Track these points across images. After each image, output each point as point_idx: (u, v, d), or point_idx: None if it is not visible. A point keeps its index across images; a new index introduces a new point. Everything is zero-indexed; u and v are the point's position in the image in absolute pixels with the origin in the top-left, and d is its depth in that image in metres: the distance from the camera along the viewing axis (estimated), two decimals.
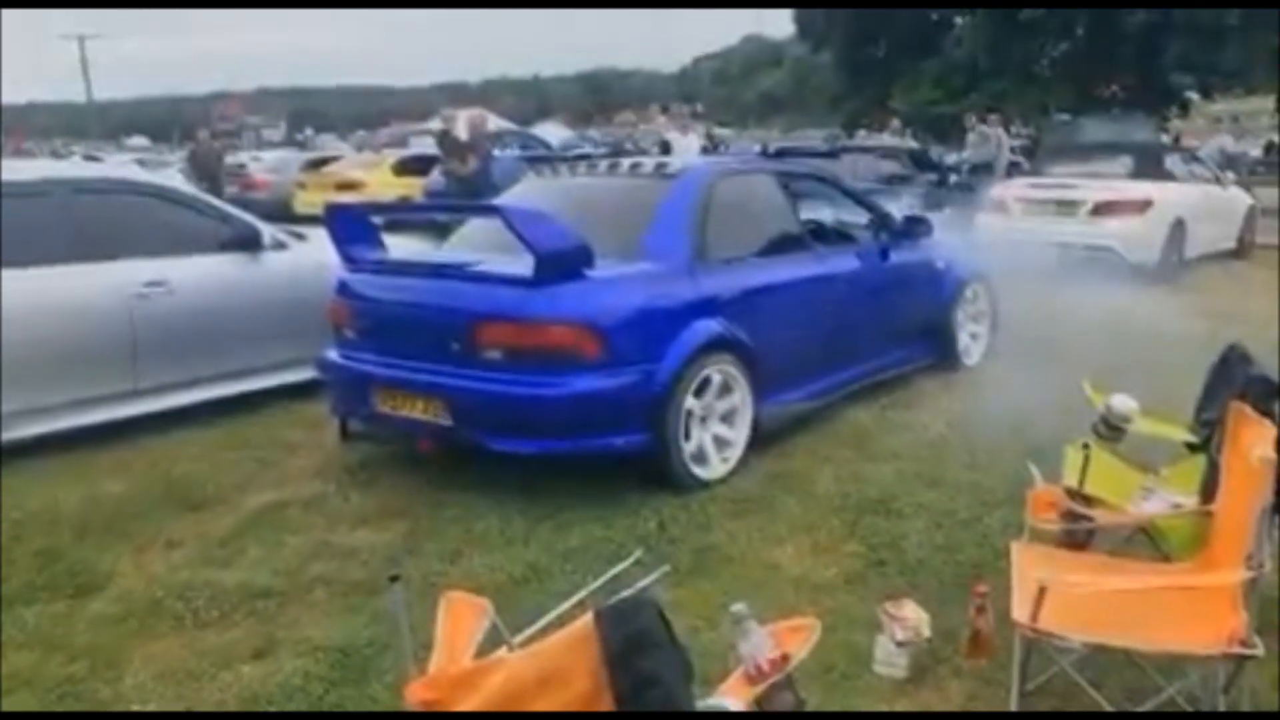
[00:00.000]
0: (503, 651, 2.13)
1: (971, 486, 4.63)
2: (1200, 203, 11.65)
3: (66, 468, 5.08)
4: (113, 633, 3.46)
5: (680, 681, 1.77)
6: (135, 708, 3.03)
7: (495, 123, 18.43)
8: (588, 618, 1.79)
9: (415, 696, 1.88)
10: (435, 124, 13.39)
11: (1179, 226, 11.06)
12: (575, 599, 2.75)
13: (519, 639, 2.31)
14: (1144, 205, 10.78)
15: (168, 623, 3.53)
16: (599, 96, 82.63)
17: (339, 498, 4.68)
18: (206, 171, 13.10)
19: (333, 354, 5.09)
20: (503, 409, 4.37)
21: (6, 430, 5.09)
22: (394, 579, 2.06)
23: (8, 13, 63.58)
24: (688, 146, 12.49)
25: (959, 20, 24.65)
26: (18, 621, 3.53)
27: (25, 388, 5.12)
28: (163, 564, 4.01)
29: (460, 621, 2.21)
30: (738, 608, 1.99)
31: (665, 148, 12.04)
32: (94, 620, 3.56)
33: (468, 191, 10.89)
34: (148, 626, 3.51)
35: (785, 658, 1.96)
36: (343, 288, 5.08)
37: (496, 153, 13.93)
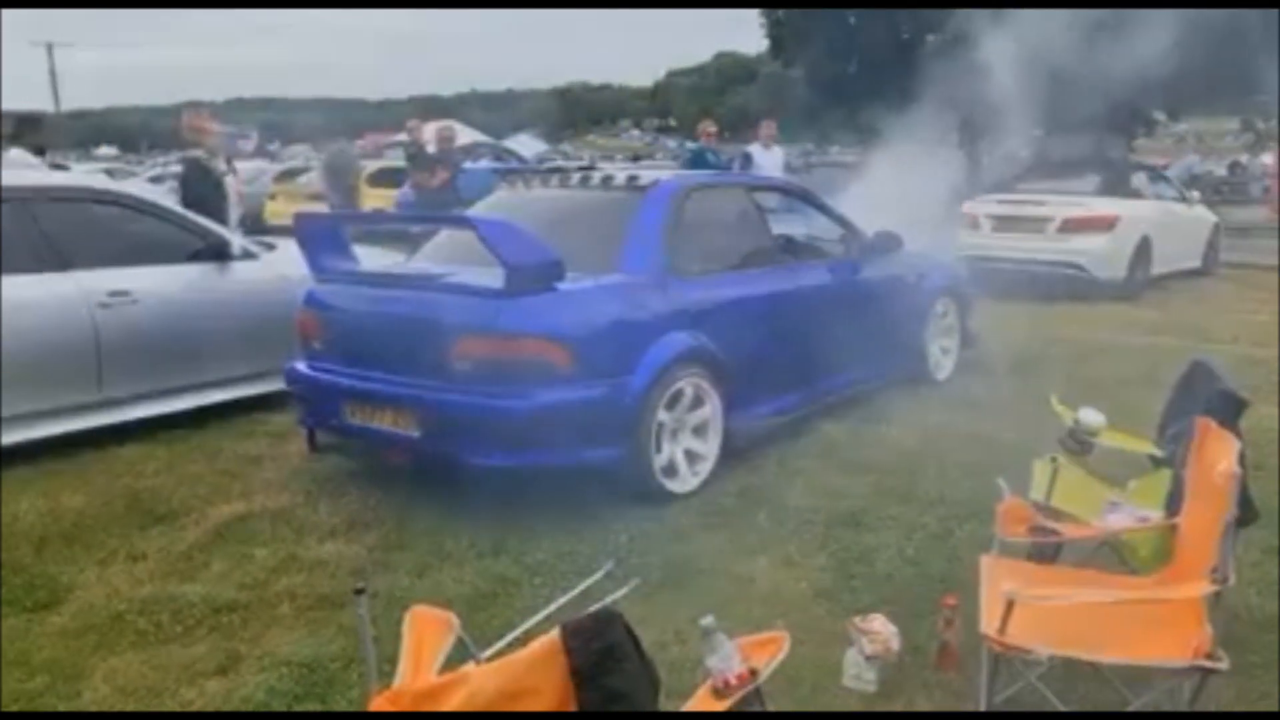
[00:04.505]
0: (469, 666, 2.10)
1: (941, 500, 4.64)
2: (1166, 221, 11.82)
3: (27, 480, 4.99)
4: (73, 647, 3.40)
5: (648, 697, 1.75)
6: None
7: (467, 135, 18.37)
8: (554, 633, 1.77)
9: (379, 709, 1.85)
10: (402, 136, 13.19)
11: (1145, 244, 11.22)
12: (544, 613, 2.72)
13: (486, 654, 2.28)
14: (1111, 222, 10.93)
15: (130, 637, 3.47)
16: (571, 110, 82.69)
17: (306, 510, 4.63)
18: (342, 183, 12.04)
19: (301, 365, 5.04)
20: (473, 421, 4.34)
21: None
22: (359, 591, 2.04)
23: None
24: (772, 162, 11.54)
25: (929, 38, 24.90)
26: None
27: None
28: (125, 577, 3.94)
29: (426, 635, 2.18)
30: (706, 620, 1.97)
31: (747, 160, 11.60)
32: (54, 634, 3.49)
33: (436, 204, 10.85)
34: (109, 641, 3.44)
35: (754, 672, 1.95)
36: (311, 298, 5.03)
37: (469, 164, 13.87)
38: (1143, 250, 11.21)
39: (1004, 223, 11.23)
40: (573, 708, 1.72)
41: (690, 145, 12.13)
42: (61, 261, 5.46)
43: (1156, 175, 13.62)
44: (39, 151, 8.07)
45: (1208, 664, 2.39)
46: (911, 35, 23.56)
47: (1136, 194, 11.91)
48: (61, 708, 3.05)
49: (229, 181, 7.84)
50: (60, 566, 4.04)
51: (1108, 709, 2.80)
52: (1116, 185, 11.71)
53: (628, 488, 4.61)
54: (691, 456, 4.88)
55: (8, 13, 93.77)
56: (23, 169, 8.14)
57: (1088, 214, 10.95)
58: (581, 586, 2.89)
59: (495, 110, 69.93)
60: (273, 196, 18.19)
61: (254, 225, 11.92)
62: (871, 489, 4.86)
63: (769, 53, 27.67)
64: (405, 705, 1.82)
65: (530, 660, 1.76)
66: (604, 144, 56.80)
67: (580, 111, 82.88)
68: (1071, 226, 10.88)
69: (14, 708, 3.05)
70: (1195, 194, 14.05)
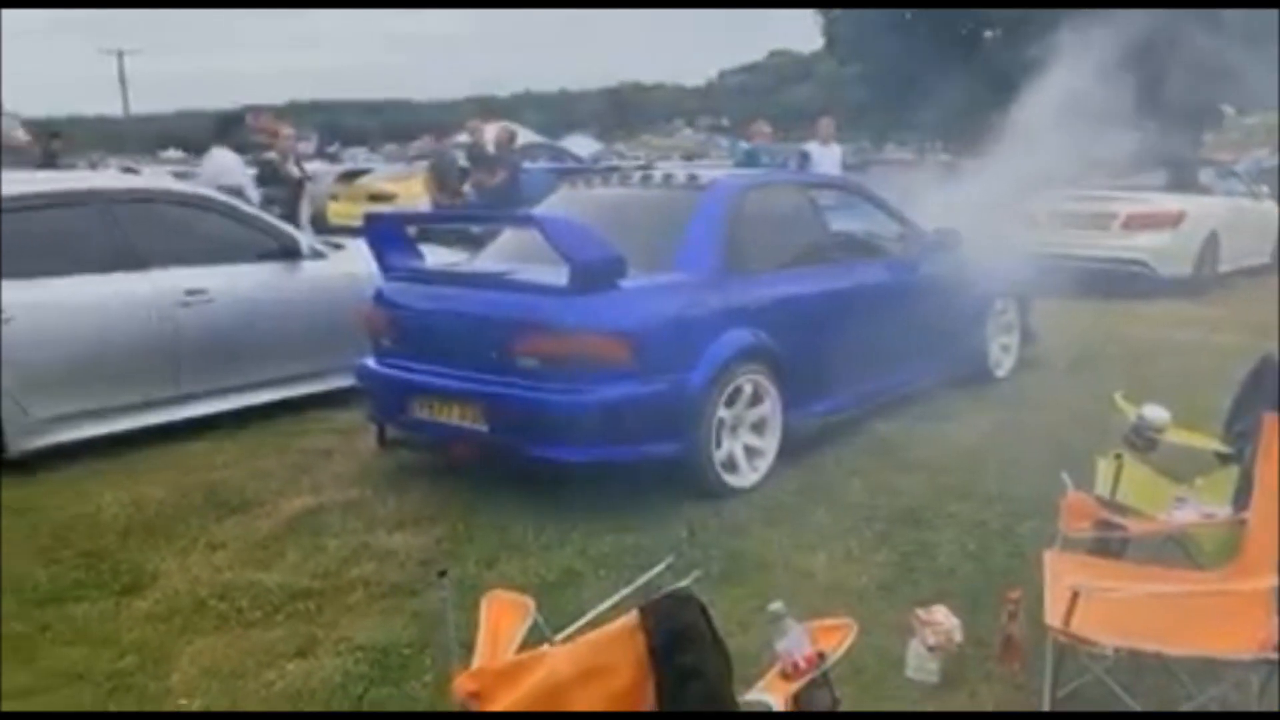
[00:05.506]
0: (545, 647, 2.18)
1: (1002, 497, 4.64)
2: (1234, 216, 11.60)
3: (108, 471, 5.19)
4: (159, 630, 3.55)
5: (722, 676, 1.82)
6: (183, 703, 3.10)
7: (525, 136, 18.53)
8: (632, 613, 1.84)
9: (461, 689, 1.93)
10: (463, 137, 13.36)
11: (1212, 240, 11.02)
12: (610, 602, 2.80)
13: (560, 636, 2.36)
14: (1176, 218, 10.75)
15: (212, 621, 3.62)
16: (624, 110, 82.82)
17: (376, 502, 4.75)
18: (449, 185, 12.19)
19: (371, 361, 5.17)
20: (538, 416, 4.44)
21: (52, 434, 5.24)
22: (442, 574, 2.13)
23: (53, 27, 64.86)
24: (830, 160, 11.40)
25: (988, 34, 24.62)
26: (67, 618, 3.63)
27: (70, 392, 5.26)
28: (205, 565, 4.10)
29: (503, 618, 2.27)
30: (775, 606, 2.04)
31: (804, 159, 11.58)
32: (141, 618, 3.64)
33: (497, 203, 11.02)
34: (193, 625, 3.59)
35: (821, 655, 2.01)
36: (380, 296, 5.17)
37: (527, 164, 14.04)
38: (1210, 246, 11.01)
39: (1067, 219, 11.06)
40: (648, 686, 1.79)
41: (744, 145, 12.14)
42: (140, 261, 5.64)
43: (1225, 171, 13.35)
44: (240, 150, 7.91)
45: (1276, 656, 2.39)
46: (970, 31, 23.28)
47: (1204, 190, 11.71)
48: (152, 686, 3.19)
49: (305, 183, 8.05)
50: (144, 554, 4.20)
51: (1174, 703, 2.80)
52: (1184, 181, 11.51)
53: (688, 483, 4.67)
54: (751, 452, 4.93)
55: (78, 19, 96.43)
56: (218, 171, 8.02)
57: (1152, 209, 10.78)
58: (645, 577, 2.95)
59: (548, 111, 70.26)
60: (334, 198, 18.51)
61: (318, 226, 12.17)
62: (931, 486, 4.87)
63: (824, 50, 27.52)
64: (487, 683, 1.91)
65: (608, 639, 1.84)
66: (658, 144, 56.79)
67: (633, 111, 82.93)
68: (1136, 223, 10.72)
69: (107, 686, 3.20)
70: (1265, 189, 13.74)
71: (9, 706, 3.07)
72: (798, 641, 1.99)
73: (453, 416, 4.68)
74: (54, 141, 10.38)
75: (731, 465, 4.82)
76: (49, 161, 9.57)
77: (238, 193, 7.45)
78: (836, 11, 24.33)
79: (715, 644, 1.83)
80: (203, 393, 5.81)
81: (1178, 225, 10.73)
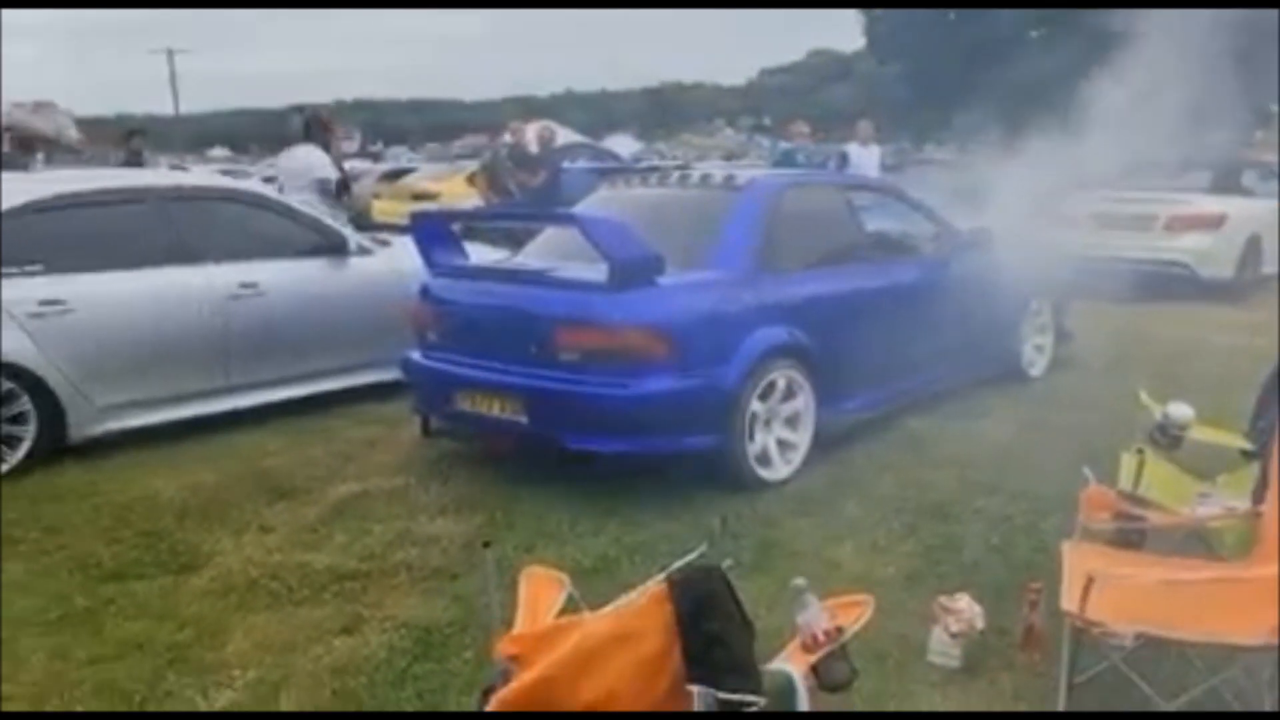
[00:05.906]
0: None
1: (1028, 494, 4.71)
2: (1275, 218, 11.48)
3: (162, 458, 5.41)
4: (215, 606, 3.74)
5: (743, 641, 1.94)
6: (236, 673, 3.28)
7: (566, 136, 18.71)
8: (661, 583, 1.97)
9: (503, 651, 2.08)
10: (506, 137, 13.59)
11: (1254, 242, 10.94)
12: (641, 588, 2.94)
13: (594, 616, 2.50)
14: (1219, 220, 10.69)
15: (264, 599, 3.80)
16: (664, 110, 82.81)
17: (419, 490, 4.92)
18: (501, 186, 12.78)
19: (415, 355, 5.35)
20: (577, 409, 4.58)
21: (111, 421, 5.48)
22: (486, 545, 2.27)
23: (101, 27, 66.68)
24: (869, 161, 11.54)
25: (1033, 34, 24.48)
26: (129, 594, 3.83)
27: (128, 382, 5.49)
28: (257, 546, 4.29)
29: (541, 592, 2.41)
30: (798, 581, 2.16)
31: (843, 159, 11.62)
32: (197, 594, 3.84)
33: (538, 203, 11.19)
34: (246, 601, 3.78)
35: (840, 629, 2.12)
36: (426, 292, 5.34)
37: (566, 164, 14.22)
38: (1252, 249, 10.94)
39: (1108, 220, 11.01)
40: (676, 650, 1.92)
41: (783, 145, 12.23)
42: (193, 256, 5.85)
43: (1268, 172, 13.20)
44: (327, 147, 8.02)
45: None
46: (1013, 30, 23.15)
47: (1247, 192, 11.61)
48: (208, 658, 3.38)
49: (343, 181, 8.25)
50: (199, 535, 4.40)
51: (1188, 691, 2.87)
52: (1226, 183, 11.42)
53: (723, 475, 4.79)
54: (783, 446, 5.04)
55: (127, 19, 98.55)
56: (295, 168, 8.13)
57: (1195, 212, 10.72)
58: (677, 564, 3.08)
59: (590, 111, 70.49)
60: (378, 196, 18.81)
61: (362, 223, 12.42)
62: (959, 482, 4.95)
63: (865, 50, 27.54)
64: (526, 646, 2.05)
65: (639, 607, 1.97)
66: (699, 143, 56.73)
67: (673, 111, 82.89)
68: (1178, 225, 10.67)
69: (167, 656, 3.38)
70: None
71: (79, 675, 3.27)
72: (817, 615, 2.11)
73: (494, 409, 4.83)
74: (134, 139, 10.62)
75: (765, 459, 4.94)
76: (133, 159, 9.80)
77: (326, 185, 7.71)
78: (878, 11, 24.34)
79: (738, 613, 1.95)
80: (252, 384, 6.01)
81: (1220, 227, 10.67)
